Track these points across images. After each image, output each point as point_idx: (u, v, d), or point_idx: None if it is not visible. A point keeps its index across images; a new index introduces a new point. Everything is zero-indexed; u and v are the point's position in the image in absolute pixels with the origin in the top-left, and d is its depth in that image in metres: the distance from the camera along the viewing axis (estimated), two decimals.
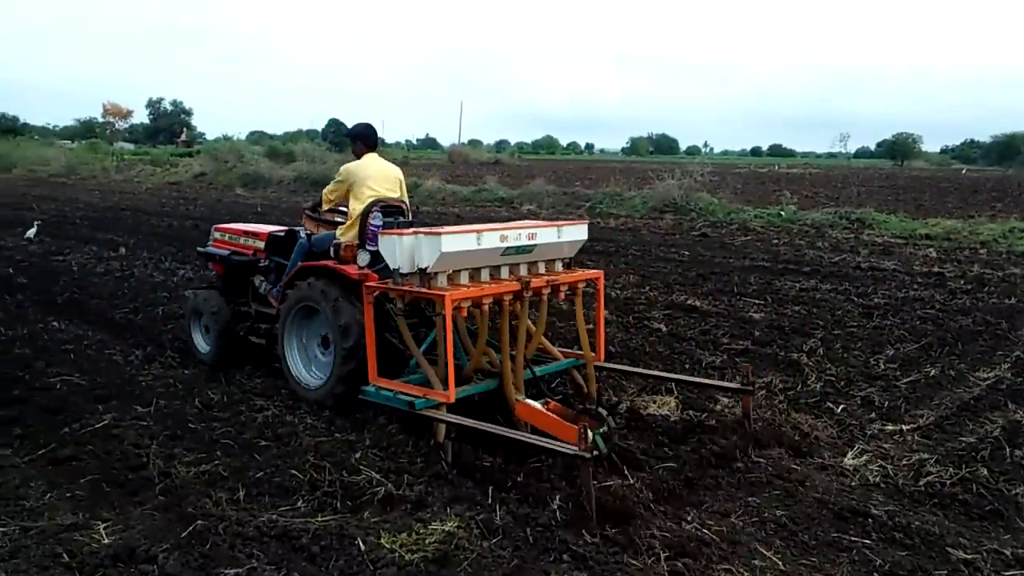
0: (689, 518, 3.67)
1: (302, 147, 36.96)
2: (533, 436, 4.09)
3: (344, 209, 5.49)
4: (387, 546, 3.28)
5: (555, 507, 3.60)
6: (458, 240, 4.29)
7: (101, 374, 5.80)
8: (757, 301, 8.41)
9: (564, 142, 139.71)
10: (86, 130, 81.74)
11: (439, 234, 4.18)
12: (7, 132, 65.27)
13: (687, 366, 6.10)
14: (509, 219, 17.25)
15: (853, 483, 4.13)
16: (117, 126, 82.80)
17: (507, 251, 4.56)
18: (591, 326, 5.22)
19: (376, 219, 5.13)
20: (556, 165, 49.42)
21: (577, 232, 4.98)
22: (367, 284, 4.60)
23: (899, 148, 72.13)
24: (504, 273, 4.66)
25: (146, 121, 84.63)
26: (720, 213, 16.87)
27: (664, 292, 8.92)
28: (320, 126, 70.93)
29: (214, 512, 3.60)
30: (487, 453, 4.30)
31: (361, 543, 3.29)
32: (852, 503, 3.85)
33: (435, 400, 4.29)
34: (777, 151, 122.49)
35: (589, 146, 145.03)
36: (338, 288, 4.90)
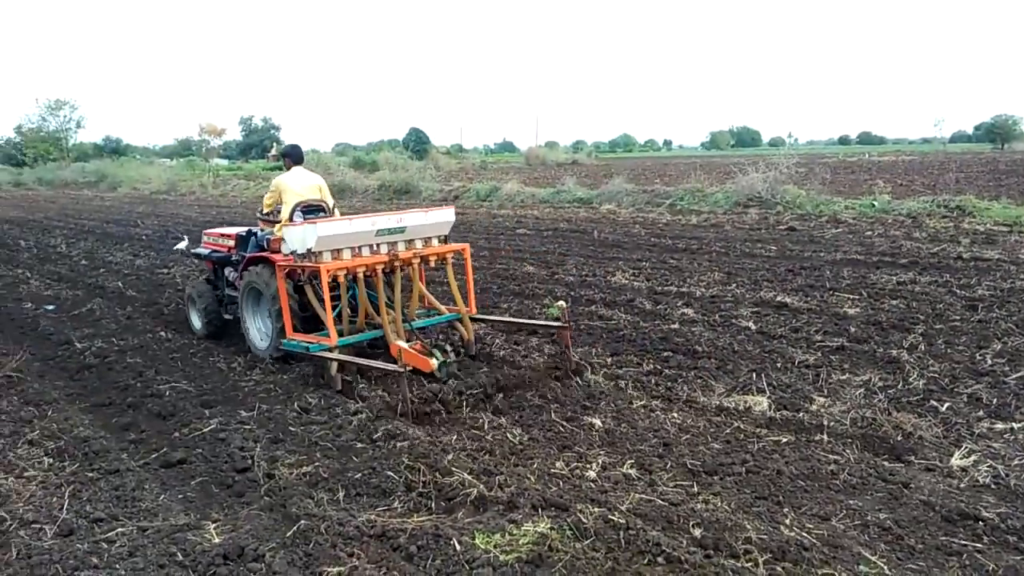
0: (788, 521, 3.58)
1: (384, 156, 37.95)
2: (373, 361, 5.58)
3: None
4: (481, 546, 3.34)
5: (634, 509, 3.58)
6: (332, 226, 5.77)
7: (207, 380, 6.12)
8: (851, 296, 8.10)
9: (641, 139, 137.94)
10: (184, 148, 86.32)
11: (316, 223, 5.73)
12: (113, 153, 69.66)
13: (779, 365, 5.94)
14: (589, 219, 17.22)
15: (961, 484, 3.94)
16: (212, 144, 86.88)
17: (380, 232, 5.97)
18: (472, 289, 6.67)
19: (298, 217, 6.48)
20: (634, 163, 48.90)
21: (444, 215, 6.44)
22: (279, 264, 6.02)
23: (999, 131, 67.79)
24: (384, 250, 6.01)
25: (239, 138, 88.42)
26: (808, 205, 16.29)
27: (751, 289, 8.70)
28: (401, 135, 72.49)
29: (316, 512, 3.75)
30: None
31: (456, 543, 3.36)
32: (961, 505, 3.67)
33: (326, 344, 5.71)
34: (867, 139, 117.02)
35: (667, 142, 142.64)
36: (269, 271, 6.26)
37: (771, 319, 7.33)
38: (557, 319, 6.62)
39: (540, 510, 3.69)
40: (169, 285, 10.72)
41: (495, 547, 3.33)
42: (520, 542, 3.36)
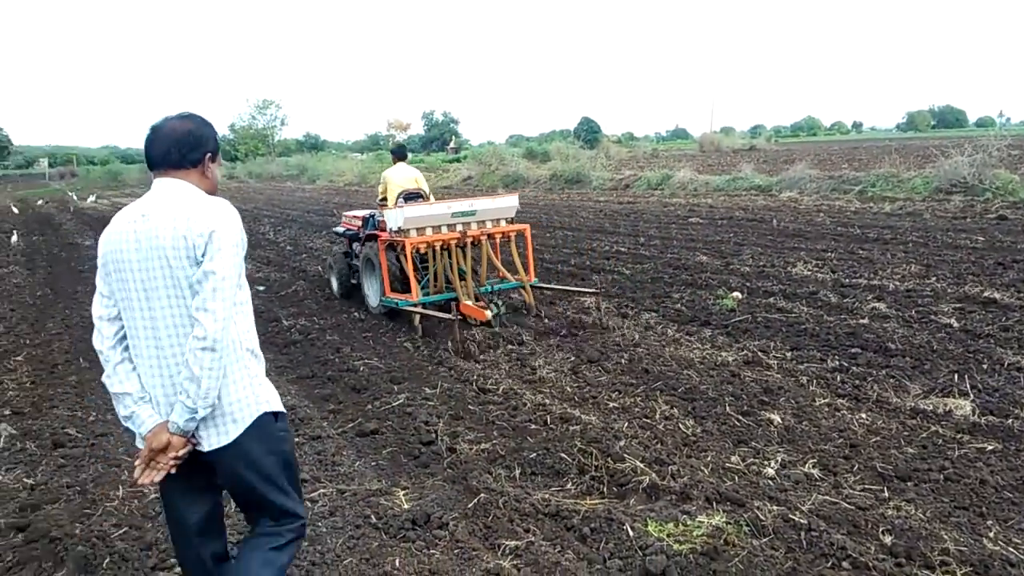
0: (991, 535, 3.29)
1: (556, 146, 38.27)
2: (433, 312, 7.14)
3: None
4: (654, 534, 3.36)
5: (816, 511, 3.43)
6: (416, 209, 7.34)
7: (395, 358, 6.57)
8: None
9: (827, 122, 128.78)
10: (373, 143, 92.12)
11: (403, 207, 7.36)
12: (312, 148, 75.75)
13: (984, 366, 5.41)
14: (768, 208, 16.45)
15: None
16: (398, 138, 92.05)
17: (455, 214, 7.41)
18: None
19: (401, 202, 8.07)
20: (819, 147, 45.84)
21: (509, 201, 7.93)
22: (381, 238, 7.60)
23: None
24: (459, 228, 7.44)
25: (421, 132, 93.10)
26: (1022, 192, 14.54)
27: (954, 283, 7.93)
28: (573, 125, 72.83)
29: (494, 487, 3.95)
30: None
31: (629, 528, 3.41)
32: None
33: (411, 301, 7.27)
34: None
35: (857, 125, 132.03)
36: (377, 245, 7.72)
37: (977, 316, 6.66)
38: (732, 311, 6.61)
39: (715, 503, 3.64)
40: None
41: (668, 536, 3.34)
42: (694, 533, 3.34)
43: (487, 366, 6.17)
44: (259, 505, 2.49)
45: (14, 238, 17.24)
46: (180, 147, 2.40)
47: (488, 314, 6.97)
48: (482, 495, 3.85)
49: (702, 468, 4.09)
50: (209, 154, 2.47)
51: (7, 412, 5.54)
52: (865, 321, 6.70)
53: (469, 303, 7.16)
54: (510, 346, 6.63)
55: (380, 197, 8.83)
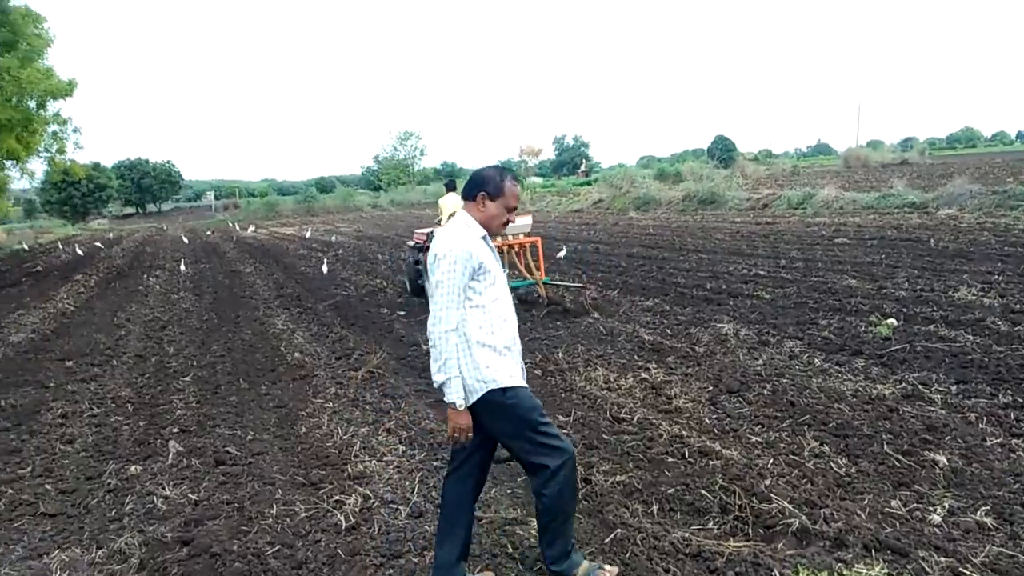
0: None
1: (688, 166, 37.59)
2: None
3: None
4: None
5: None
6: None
7: (528, 384, 6.58)
8: None
9: (987, 132, 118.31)
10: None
11: (442, 227, 8.88)
12: (448, 176, 78.44)
13: None
14: (923, 226, 15.31)
15: None
16: (529, 163, 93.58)
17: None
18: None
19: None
20: (979, 160, 42.12)
21: (525, 220, 10.00)
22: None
23: None
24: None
25: (552, 157, 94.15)
26: None
27: None
28: (706, 144, 71.10)
29: (631, 522, 3.85)
30: None
31: (779, 575, 3.21)
32: None
33: None
34: None
35: (1022, 135, 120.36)
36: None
37: None
38: (887, 339, 6.63)
39: (874, 552, 3.37)
40: None
41: None
42: None
43: (621, 394, 6.07)
44: (517, 458, 3.24)
45: (183, 266, 18.91)
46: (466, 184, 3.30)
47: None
48: (619, 530, 3.76)
49: (858, 512, 3.80)
50: (483, 193, 3.18)
51: (175, 430, 6.03)
52: None
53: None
54: (643, 374, 6.50)
55: (437, 218, 11.21)
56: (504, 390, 3.09)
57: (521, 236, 10.08)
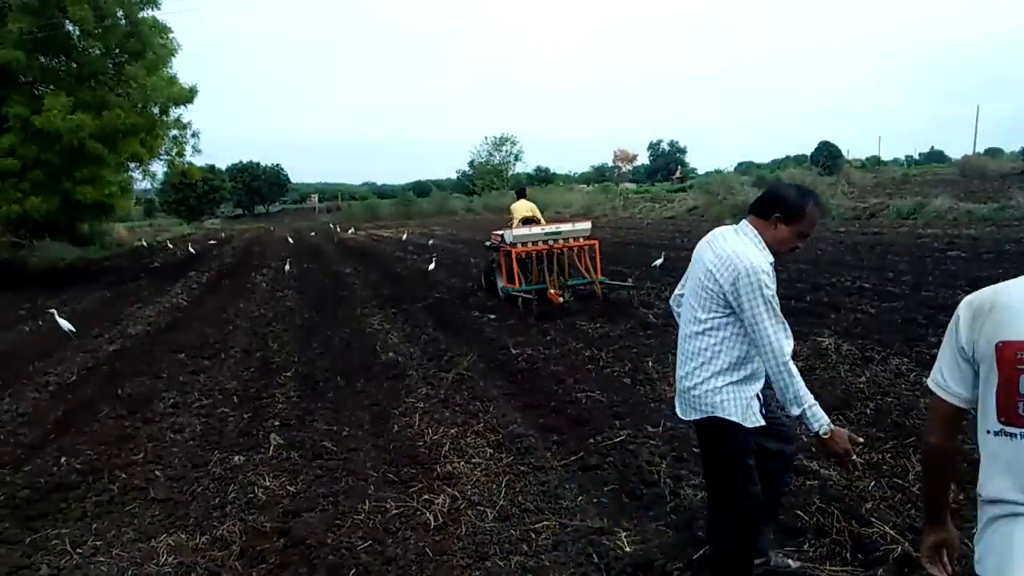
0: None
1: (789, 173, 36.27)
2: (521, 292, 10.74)
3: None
4: None
5: None
6: (519, 231, 11.03)
7: (616, 393, 6.55)
8: None
9: None
10: (598, 175, 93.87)
11: (512, 230, 11.20)
12: (541, 181, 78.78)
13: None
14: None
15: None
16: (623, 169, 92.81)
17: (548, 234, 10.97)
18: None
19: (519, 226, 11.67)
20: None
21: (582, 225, 11.44)
22: (502, 249, 11.30)
23: None
24: (548, 243, 10.89)
25: (647, 162, 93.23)
26: None
27: None
28: (809, 150, 68.51)
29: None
30: None
31: None
32: None
33: (515, 288, 10.85)
34: None
35: None
36: (502, 255, 11.54)
37: None
38: None
39: None
40: (595, 301, 11.71)
41: None
42: None
43: None
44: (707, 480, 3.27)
45: (287, 266, 19.77)
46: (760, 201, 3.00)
47: (560, 300, 10.69)
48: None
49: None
50: (778, 215, 2.89)
51: (276, 423, 6.32)
52: None
53: (552, 291, 10.76)
54: None
55: (508, 221, 12.74)
56: (725, 423, 2.97)
57: (581, 239, 11.21)
